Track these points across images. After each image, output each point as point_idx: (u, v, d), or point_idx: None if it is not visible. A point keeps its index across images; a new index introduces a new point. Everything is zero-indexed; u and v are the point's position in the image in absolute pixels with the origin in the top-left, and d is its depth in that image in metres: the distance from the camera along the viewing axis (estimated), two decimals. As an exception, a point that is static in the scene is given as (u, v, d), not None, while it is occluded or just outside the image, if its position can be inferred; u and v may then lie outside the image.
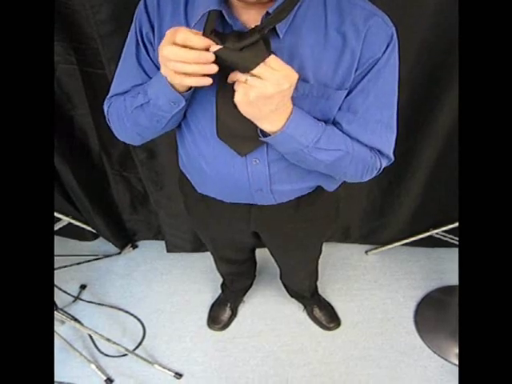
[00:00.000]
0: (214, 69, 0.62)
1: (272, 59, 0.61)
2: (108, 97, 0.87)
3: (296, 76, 0.64)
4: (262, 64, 0.61)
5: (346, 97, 0.75)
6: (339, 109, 0.76)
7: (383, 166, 0.84)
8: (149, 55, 0.79)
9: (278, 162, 0.84)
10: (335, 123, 0.78)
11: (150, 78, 0.78)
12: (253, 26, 0.66)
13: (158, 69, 0.76)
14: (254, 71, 0.61)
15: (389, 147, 0.81)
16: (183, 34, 0.60)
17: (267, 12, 0.65)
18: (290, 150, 0.74)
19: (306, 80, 0.71)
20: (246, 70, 0.62)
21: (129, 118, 0.80)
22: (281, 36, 0.68)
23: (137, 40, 0.78)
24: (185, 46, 0.60)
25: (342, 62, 0.70)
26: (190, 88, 0.71)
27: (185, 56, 0.60)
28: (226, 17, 0.68)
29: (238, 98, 0.65)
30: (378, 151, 0.80)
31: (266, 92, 0.62)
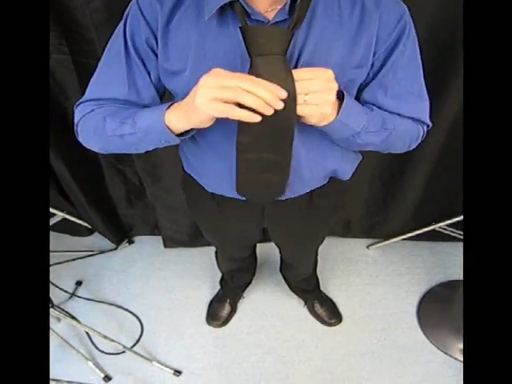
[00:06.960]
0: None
1: (303, 72, 0.63)
2: (82, 100, 0.80)
3: (329, 71, 0.64)
4: (300, 82, 0.62)
5: (374, 77, 0.76)
6: (370, 88, 0.78)
7: (425, 132, 0.86)
8: (146, 67, 0.74)
9: (298, 155, 0.83)
10: (370, 103, 0.79)
11: (141, 94, 0.76)
12: (263, 12, 0.67)
13: (153, 83, 0.75)
14: (302, 90, 0.63)
15: (425, 115, 0.83)
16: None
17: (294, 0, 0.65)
18: (343, 136, 0.76)
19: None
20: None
21: (105, 140, 0.76)
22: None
23: (127, 50, 0.73)
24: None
25: (359, 42, 0.71)
26: (192, 129, 0.71)
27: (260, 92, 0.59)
28: (245, 6, 0.66)
29: (315, 120, 0.69)
30: (418, 120, 0.82)
31: (330, 100, 0.65)
